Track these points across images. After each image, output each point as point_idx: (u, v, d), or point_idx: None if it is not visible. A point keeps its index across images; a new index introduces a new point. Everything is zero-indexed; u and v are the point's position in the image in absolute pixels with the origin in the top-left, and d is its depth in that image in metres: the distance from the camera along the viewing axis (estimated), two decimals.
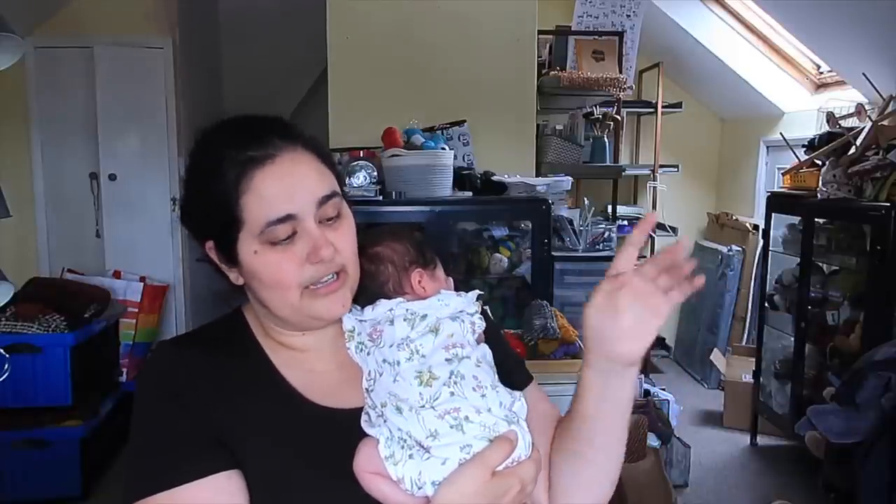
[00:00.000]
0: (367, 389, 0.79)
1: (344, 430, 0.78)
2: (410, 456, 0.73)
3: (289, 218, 0.79)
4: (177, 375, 0.81)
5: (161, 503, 0.74)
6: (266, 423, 0.80)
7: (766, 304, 3.65)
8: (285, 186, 0.79)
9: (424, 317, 0.80)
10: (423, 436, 0.72)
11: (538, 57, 3.60)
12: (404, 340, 0.78)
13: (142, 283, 3.70)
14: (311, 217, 0.80)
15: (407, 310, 0.81)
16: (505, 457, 0.72)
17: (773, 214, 3.57)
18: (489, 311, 0.96)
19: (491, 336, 0.87)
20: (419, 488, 0.72)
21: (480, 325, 0.82)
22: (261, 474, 0.77)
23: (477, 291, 0.86)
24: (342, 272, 0.82)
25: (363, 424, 0.77)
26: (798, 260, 3.32)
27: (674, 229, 4.70)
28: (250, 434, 0.79)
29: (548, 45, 4.12)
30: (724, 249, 4.63)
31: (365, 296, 0.86)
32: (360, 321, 0.84)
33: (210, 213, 0.81)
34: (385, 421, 0.75)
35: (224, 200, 0.79)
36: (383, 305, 0.83)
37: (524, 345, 2.33)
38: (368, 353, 0.81)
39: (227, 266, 0.84)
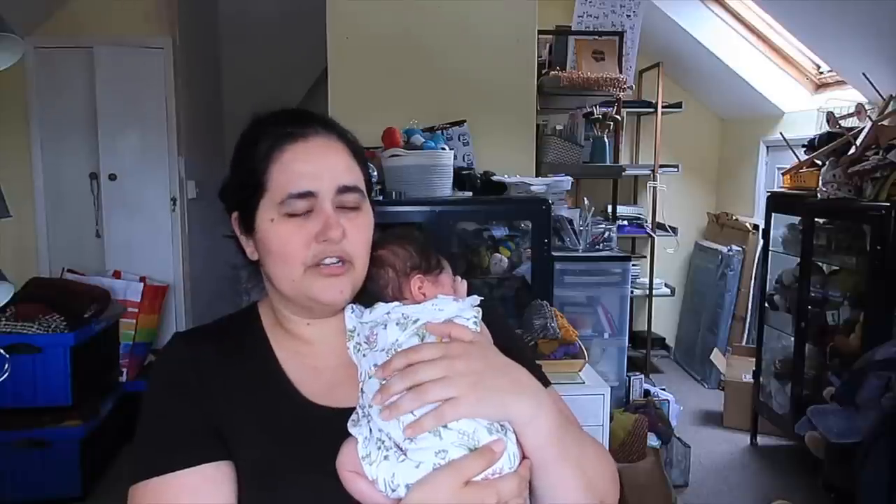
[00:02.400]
0: (361, 389, 0.80)
1: (341, 428, 0.78)
2: (386, 457, 0.72)
3: (309, 195, 0.83)
4: (184, 367, 0.85)
5: (152, 488, 0.78)
6: (264, 420, 0.82)
7: (766, 304, 3.65)
8: (312, 165, 0.84)
9: (416, 321, 0.79)
10: (401, 438, 0.72)
11: (538, 57, 3.59)
12: (394, 345, 0.78)
13: (142, 283, 3.70)
14: (329, 199, 0.84)
15: (402, 314, 0.81)
16: (482, 467, 0.70)
17: (773, 214, 3.57)
18: (503, 315, 0.95)
19: (502, 340, 0.85)
20: (393, 490, 0.72)
21: (476, 328, 0.81)
22: (257, 469, 0.79)
23: (477, 297, 0.86)
24: (348, 262, 0.84)
25: (349, 423, 0.77)
26: (798, 260, 3.32)
27: (674, 229, 4.70)
28: (248, 429, 0.81)
29: (548, 45, 4.12)
30: (724, 249, 4.63)
31: (367, 297, 0.87)
32: (361, 322, 0.84)
33: (241, 179, 0.87)
34: (368, 421, 0.75)
35: (254, 167, 0.85)
36: (381, 308, 0.83)
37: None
38: (364, 355, 0.81)
39: (246, 237, 0.89)
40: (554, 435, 0.76)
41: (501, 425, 0.74)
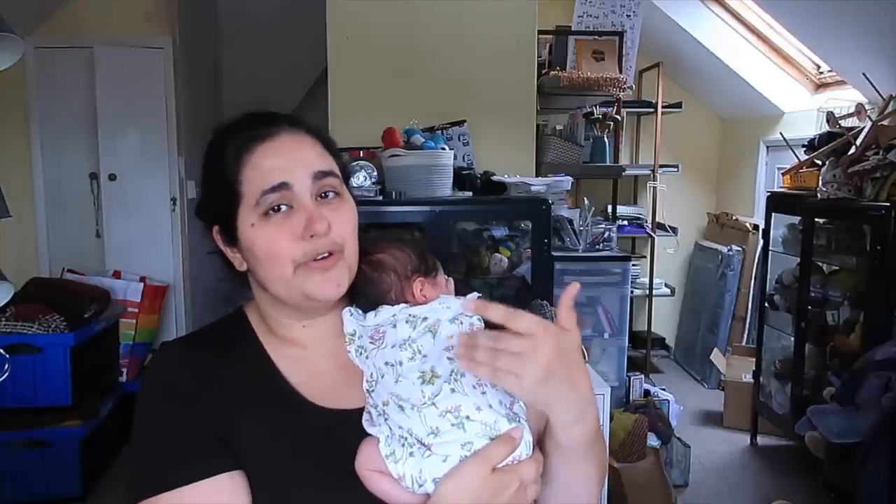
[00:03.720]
0: (367, 391, 0.79)
1: (344, 430, 0.79)
2: (411, 454, 0.73)
3: (283, 186, 0.81)
4: (180, 375, 0.82)
5: (165, 503, 0.75)
6: (267, 424, 0.81)
7: (766, 304, 3.65)
8: (282, 159, 0.82)
9: (425, 319, 0.80)
10: (424, 433, 0.73)
11: (538, 57, 3.59)
12: (406, 341, 0.78)
13: (142, 283, 3.70)
14: (307, 191, 0.82)
15: (409, 314, 0.81)
16: (507, 454, 0.73)
17: (773, 214, 3.57)
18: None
19: None
20: (420, 486, 0.73)
21: (479, 325, 0.81)
22: (261, 474, 0.78)
23: (476, 294, 0.86)
24: (337, 252, 0.83)
25: (364, 423, 0.77)
26: (798, 260, 3.32)
27: (674, 229, 4.70)
28: (251, 434, 0.79)
29: (548, 45, 4.12)
30: (724, 249, 4.63)
31: (367, 300, 0.87)
32: (362, 326, 0.84)
33: (215, 190, 0.85)
34: (386, 419, 0.76)
35: (225, 175, 0.83)
36: (386, 311, 0.84)
37: None
38: (367, 357, 0.81)
39: (231, 249, 0.86)
40: (588, 439, 0.78)
41: (515, 412, 0.76)
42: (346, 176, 0.90)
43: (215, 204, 0.86)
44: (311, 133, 0.87)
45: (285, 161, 0.82)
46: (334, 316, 0.87)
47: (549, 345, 0.71)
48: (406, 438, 0.74)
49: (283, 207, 0.81)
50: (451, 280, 0.92)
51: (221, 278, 0.91)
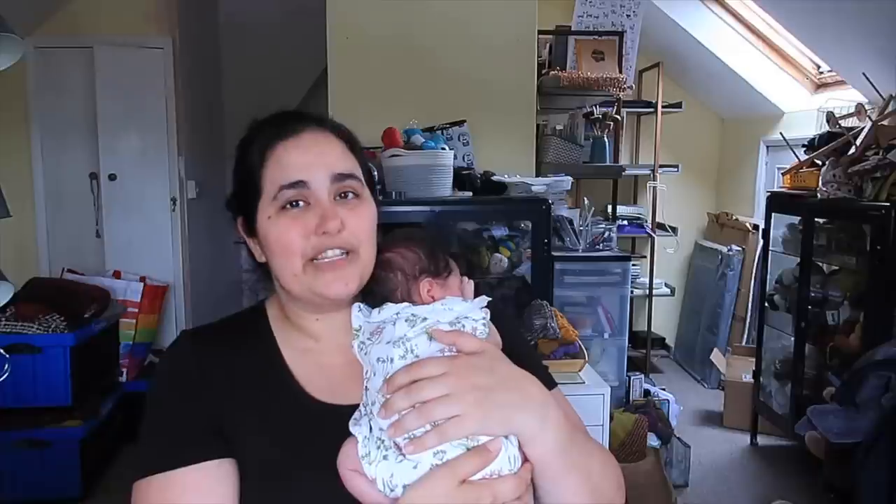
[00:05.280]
0: (365, 387, 0.79)
1: (342, 425, 0.79)
2: (385, 457, 0.72)
3: (300, 184, 0.83)
4: (189, 366, 0.85)
5: (155, 484, 0.78)
6: (268, 417, 0.82)
7: (766, 304, 3.65)
8: (303, 157, 0.84)
9: (425, 319, 0.79)
10: (400, 437, 0.72)
11: (538, 57, 3.59)
12: (401, 339, 0.77)
13: (142, 283, 3.70)
14: (325, 190, 0.84)
15: (411, 313, 0.81)
16: (478, 467, 0.70)
17: (773, 214, 3.57)
18: (510, 316, 0.95)
19: (509, 341, 0.86)
20: (391, 490, 0.71)
21: (483, 331, 0.80)
22: (260, 466, 0.79)
23: (485, 298, 0.85)
24: (352, 252, 0.84)
25: (350, 422, 0.77)
26: (798, 260, 3.32)
27: (674, 229, 4.70)
28: (252, 427, 0.81)
29: (548, 45, 4.12)
30: (724, 249, 4.63)
31: (374, 299, 0.87)
32: (368, 321, 0.84)
33: (240, 182, 0.88)
34: (370, 419, 0.75)
35: (250, 169, 0.86)
36: (390, 309, 0.83)
37: None
38: (367, 353, 0.81)
39: (251, 239, 0.89)
40: (560, 446, 0.75)
41: None
42: (371, 178, 0.92)
43: (240, 196, 0.89)
44: (335, 132, 0.89)
45: (306, 159, 0.84)
46: (348, 312, 0.87)
47: (466, 366, 0.72)
48: (383, 441, 0.73)
49: (300, 204, 0.83)
50: (469, 282, 0.90)
51: (251, 269, 0.95)
